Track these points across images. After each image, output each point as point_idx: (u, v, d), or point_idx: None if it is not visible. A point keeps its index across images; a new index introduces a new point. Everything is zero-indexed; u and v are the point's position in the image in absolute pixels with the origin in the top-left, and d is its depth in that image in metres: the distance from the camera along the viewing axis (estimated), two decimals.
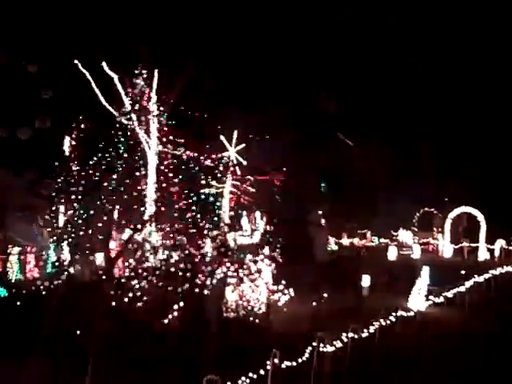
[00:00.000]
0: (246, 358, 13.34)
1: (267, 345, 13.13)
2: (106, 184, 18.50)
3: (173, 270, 17.99)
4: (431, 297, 22.31)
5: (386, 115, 38.11)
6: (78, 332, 15.77)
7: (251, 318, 19.04)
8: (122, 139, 20.40)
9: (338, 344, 13.98)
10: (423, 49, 36.25)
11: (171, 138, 22.62)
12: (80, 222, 16.93)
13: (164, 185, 21.40)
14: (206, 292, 18.47)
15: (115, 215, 16.49)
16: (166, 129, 22.82)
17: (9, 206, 25.77)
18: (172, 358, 14.06)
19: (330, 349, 13.54)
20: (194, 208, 17.96)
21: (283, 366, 12.31)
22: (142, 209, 21.97)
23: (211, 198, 18.66)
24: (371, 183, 39.57)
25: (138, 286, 18.05)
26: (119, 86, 22.38)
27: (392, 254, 38.30)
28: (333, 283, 23.26)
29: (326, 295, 21.66)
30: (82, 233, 16.77)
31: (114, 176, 15.95)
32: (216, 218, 23.91)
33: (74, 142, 21.69)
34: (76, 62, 22.19)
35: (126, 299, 16.61)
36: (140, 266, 19.08)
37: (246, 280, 19.53)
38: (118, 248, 18.48)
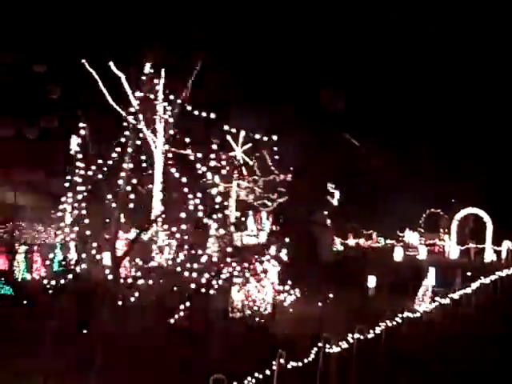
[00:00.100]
0: (251, 358, 13.35)
1: (273, 345, 13.18)
2: (112, 183, 18.56)
3: (179, 269, 18.03)
4: (437, 298, 22.29)
5: (395, 115, 38.02)
6: (84, 331, 15.89)
7: (257, 319, 19.07)
8: (130, 139, 20.43)
9: (344, 345, 13.96)
10: (426, 48, 36.12)
11: (178, 137, 22.63)
12: (87, 221, 16.96)
13: (170, 184, 21.42)
14: (211, 292, 18.48)
15: (122, 215, 16.50)
16: (172, 128, 22.85)
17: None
18: (178, 358, 14.09)
19: (335, 349, 13.53)
20: (200, 208, 17.93)
21: (289, 366, 12.31)
22: (149, 208, 22.01)
23: (218, 198, 18.65)
24: (377, 184, 39.49)
25: (144, 286, 18.08)
26: (126, 86, 22.42)
27: (398, 254, 38.25)
28: (338, 284, 23.29)
29: (331, 296, 21.66)
30: (88, 232, 16.78)
31: (122, 174, 15.94)
32: (222, 218, 23.91)
33: (80, 142, 21.75)
34: (83, 61, 22.25)
35: (133, 299, 16.67)
36: (146, 265, 19.13)
37: (251, 280, 19.54)
38: (125, 247, 18.50)
